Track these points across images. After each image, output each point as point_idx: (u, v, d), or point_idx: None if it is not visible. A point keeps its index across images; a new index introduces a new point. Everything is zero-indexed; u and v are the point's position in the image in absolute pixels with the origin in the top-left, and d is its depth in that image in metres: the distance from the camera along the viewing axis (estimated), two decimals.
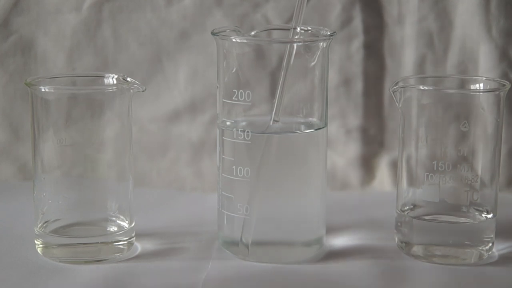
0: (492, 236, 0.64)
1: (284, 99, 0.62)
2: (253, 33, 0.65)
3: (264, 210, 0.62)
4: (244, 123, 0.63)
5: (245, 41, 0.62)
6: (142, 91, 0.63)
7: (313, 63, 0.63)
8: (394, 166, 0.82)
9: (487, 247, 0.64)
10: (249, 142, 0.62)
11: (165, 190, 0.82)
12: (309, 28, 0.64)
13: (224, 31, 0.63)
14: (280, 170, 0.62)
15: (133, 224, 0.65)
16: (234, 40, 0.62)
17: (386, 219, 0.72)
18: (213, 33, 0.62)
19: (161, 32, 0.81)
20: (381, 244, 0.67)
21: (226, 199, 0.63)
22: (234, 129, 0.62)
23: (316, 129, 0.63)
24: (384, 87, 0.82)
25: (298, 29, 0.63)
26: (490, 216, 0.64)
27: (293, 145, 0.63)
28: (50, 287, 0.59)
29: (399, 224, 0.65)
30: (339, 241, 0.68)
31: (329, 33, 0.63)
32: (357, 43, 0.81)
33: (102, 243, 0.63)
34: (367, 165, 0.83)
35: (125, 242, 0.64)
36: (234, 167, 0.62)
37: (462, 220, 0.64)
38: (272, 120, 0.62)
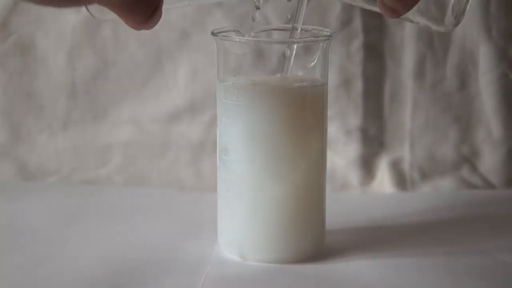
0: None
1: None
2: (253, 33, 0.65)
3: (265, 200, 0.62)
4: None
5: (245, 41, 0.62)
6: None
7: (313, 63, 0.63)
8: (394, 166, 0.82)
9: None
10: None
11: (165, 190, 0.82)
12: (309, 28, 0.65)
13: (224, 31, 0.63)
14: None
15: None
16: (234, 40, 0.62)
17: (386, 219, 0.72)
18: (213, 34, 0.62)
19: (161, 32, 0.81)
20: (381, 244, 0.67)
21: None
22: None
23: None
24: (384, 87, 0.82)
25: (299, 29, 0.63)
26: None
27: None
28: None
29: None
30: (339, 241, 0.68)
31: (328, 34, 0.63)
32: (357, 43, 0.81)
33: None
34: (367, 165, 0.83)
35: None
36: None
37: None
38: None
